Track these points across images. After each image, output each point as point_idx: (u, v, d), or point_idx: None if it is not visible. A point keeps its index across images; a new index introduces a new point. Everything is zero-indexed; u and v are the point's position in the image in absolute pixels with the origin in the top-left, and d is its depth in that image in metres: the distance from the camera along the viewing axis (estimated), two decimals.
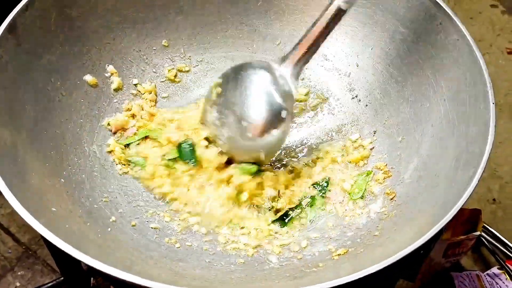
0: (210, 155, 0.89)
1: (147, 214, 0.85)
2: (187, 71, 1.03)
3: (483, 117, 0.75)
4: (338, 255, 0.77)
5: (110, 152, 0.91)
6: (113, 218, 0.81)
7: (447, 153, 0.79)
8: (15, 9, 0.80)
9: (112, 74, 0.95)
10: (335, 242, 0.81)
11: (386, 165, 0.89)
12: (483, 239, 1.18)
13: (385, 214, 0.82)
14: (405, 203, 0.81)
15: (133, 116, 0.96)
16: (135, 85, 0.98)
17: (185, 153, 0.90)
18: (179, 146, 0.91)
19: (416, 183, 0.82)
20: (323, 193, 0.89)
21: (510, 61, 1.55)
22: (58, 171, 0.80)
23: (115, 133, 0.93)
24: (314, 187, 0.90)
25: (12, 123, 0.75)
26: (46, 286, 1.03)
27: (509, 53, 1.57)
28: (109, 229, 0.78)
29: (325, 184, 0.90)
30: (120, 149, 0.91)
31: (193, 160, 0.89)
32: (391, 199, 0.84)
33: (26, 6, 0.81)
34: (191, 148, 0.90)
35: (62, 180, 0.79)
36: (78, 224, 0.73)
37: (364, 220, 0.84)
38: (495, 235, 1.19)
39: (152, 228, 0.83)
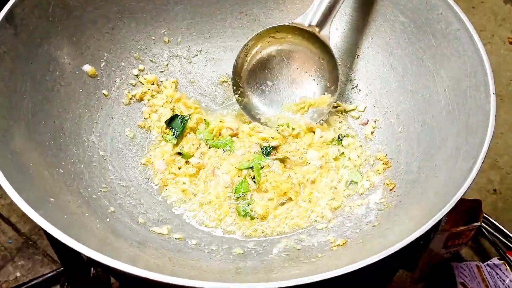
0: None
1: (146, 205, 0.85)
2: (187, 61, 1.02)
3: (484, 108, 0.74)
4: (337, 245, 0.77)
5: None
6: (112, 208, 0.81)
7: (447, 144, 0.78)
8: None
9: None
10: (335, 233, 0.81)
11: (385, 156, 0.89)
12: (484, 230, 1.18)
13: (384, 205, 0.82)
14: (404, 194, 0.81)
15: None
16: (136, 75, 0.97)
17: (177, 124, 0.95)
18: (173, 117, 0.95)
19: (416, 174, 0.81)
20: None
21: (511, 51, 1.54)
22: (57, 162, 0.79)
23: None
24: None
25: (10, 114, 0.75)
26: (46, 276, 1.04)
27: (511, 43, 1.56)
28: (108, 220, 0.77)
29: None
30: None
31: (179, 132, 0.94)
32: (391, 189, 0.84)
33: None
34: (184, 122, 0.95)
35: (60, 170, 0.79)
36: (77, 214, 0.73)
37: (364, 210, 0.83)
38: (496, 225, 1.18)
39: (150, 219, 0.83)
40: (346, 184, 0.89)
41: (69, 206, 0.74)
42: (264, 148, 0.93)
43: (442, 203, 0.66)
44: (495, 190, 1.30)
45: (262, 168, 0.90)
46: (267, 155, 0.92)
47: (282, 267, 0.74)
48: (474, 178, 0.67)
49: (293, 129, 0.95)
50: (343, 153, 0.93)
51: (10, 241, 1.14)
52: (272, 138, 0.94)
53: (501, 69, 1.50)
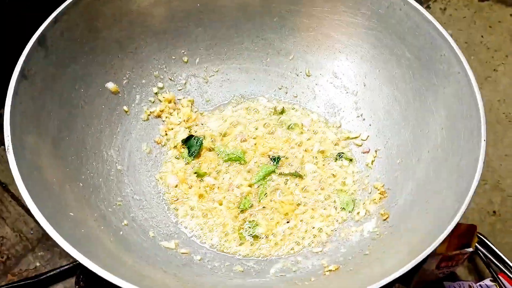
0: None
1: (157, 219, 0.92)
2: (204, 81, 1.08)
3: (475, 152, 0.77)
4: (330, 271, 0.82)
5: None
6: (126, 221, 0.87)
7: (439, 182, 0.83)
8: (44, 22, 0.85)
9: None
10: (329, 257, 0.86)
11: (383, 186, 0.94)
12: (479, 251, 1.22)
13: (377, 234, 0.87)
14: (396, 226, 0.85)
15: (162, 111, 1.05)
16: (156, 93, 1.03)
17: (193, 144, 1.01)
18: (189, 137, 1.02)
19: (409, 207, 0.86)
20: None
21: None
22: (78, 176, 0.86)
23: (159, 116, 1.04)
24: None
25: (38, 131, 0.81)
26: (63, 268, 1.09)
27: None
28: (121, 233, 0.84)
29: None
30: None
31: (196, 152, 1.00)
32: (384, 219, 0.88)
33: (55, 19, 0.86)
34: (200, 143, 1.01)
35: (80, 184, 0.85)
36: (93, 228, 0.79)
37: (358, 238, 0.89)
38: (490, 247, 1.22)
39: (160, 233, 0.89)
40: (342, 209, 0.94)
41: (87, 219, 0.80)
42: (273, 159, 0.99)
43: (428, 241, 0.71)
44: (494, 211, 1.33)
45: (271, 173, 0.98)
46: (276, 165, 0.98)
47: (277, 287, 0.80)
48: (458, 221, 0.72)
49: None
50: (335, 175, 0.99)
51: (31, 232, 1.20)
52: (279, 148, 1.01)
53: None
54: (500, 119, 1.41)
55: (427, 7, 1.60)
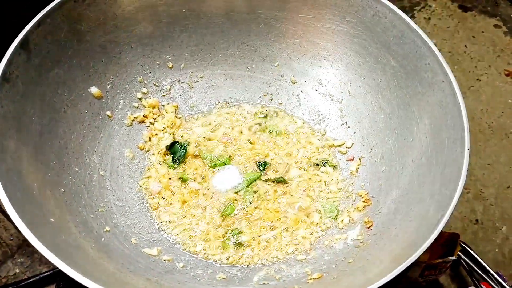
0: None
1: (139, 225, 0.91)
2: (188, 86, 1.07)
3: (458, 161, 0.78)
4: (313, 278, 0.82)
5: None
6: (107, 228, 0.86)
7: (423, 190, 0.83)
8: (27, 25, 0.84)
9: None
10: (312, 265, 0.86)
11: (367, 194, 0.94)
12: (461, 260, 1.23)
13: (361, 242, 0.87)
14: (380, 234, 0.85)
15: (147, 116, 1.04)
16: (140, 98, 1.03)
17: (177, 150, 1.01)
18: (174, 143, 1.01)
19: (393, 215, 0.86)
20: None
21: (506, 84, 1.58)
22: (59, 181, 0.85)
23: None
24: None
25: (19, 136, 0.80)
26: (43, 274, 1.08)
27: (507, 75, 1.60)
28: (103, 239, 0.83)
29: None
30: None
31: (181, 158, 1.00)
32: (368, 227, 0.88)
33: (38, 23, 0.85)
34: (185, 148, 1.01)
35: (62, 189, 0.84)
36: (74, 234, 0.78)
37: (341, 245, 0.88)
38: (473, 256, 1.23)
39: (143, 240, 0.88)
40: (326, 217, 0.94)
41: (68, 226, 0.79)
42: (259, 164, 0.99)
43: (411, 250, 0.71)
44: (477, 220, 1.34)
45: (256, 179, 0.97)
46: (263, 171, 0.98)
47: None
48: (441, 230, 0.72)
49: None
50: (319, 181, 0.99)
51: (11, 238, 1.19)
52: (265, 154, 1.01)
53: (494, 101, 1.54)
54: (483, 129, 1.42)
55: (412, 17, 1.61)
